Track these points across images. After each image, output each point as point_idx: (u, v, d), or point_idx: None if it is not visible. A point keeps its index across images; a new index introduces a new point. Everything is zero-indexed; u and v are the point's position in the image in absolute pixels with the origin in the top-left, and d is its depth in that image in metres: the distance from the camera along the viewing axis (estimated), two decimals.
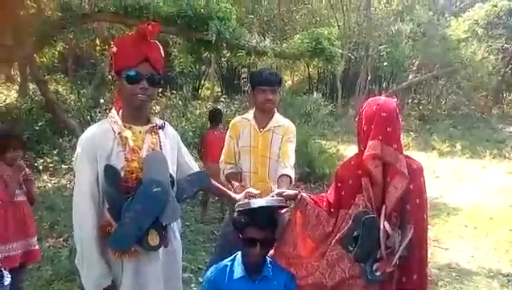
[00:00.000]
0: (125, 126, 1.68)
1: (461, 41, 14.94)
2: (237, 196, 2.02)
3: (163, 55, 1.76)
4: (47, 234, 4.43)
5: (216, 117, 5.51)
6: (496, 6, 15.51)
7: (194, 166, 1.95)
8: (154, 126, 1.75)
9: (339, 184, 1.78)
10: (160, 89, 1.82)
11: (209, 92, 14.79)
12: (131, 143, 1.65)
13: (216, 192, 2.19)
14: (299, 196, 1.86)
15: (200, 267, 3.89)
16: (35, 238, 3.08)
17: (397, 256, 1.58)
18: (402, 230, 1.61)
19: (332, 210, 1.80)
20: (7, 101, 9.84)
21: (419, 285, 1.66)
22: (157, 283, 1.70)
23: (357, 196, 1.67)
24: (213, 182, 2.04)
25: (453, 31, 14.99)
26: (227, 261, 1.89)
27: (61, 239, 4.36)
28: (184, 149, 1.95)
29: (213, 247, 4.46)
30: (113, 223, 1.61)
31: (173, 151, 1.82)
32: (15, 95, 10.42)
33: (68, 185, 6.12)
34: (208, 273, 1.89)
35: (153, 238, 1.63)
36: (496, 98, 18.73)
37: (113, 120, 1.70)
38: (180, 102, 10.46)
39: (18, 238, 2.89)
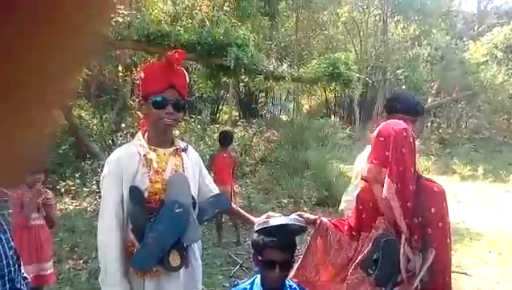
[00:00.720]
0: (150, 149, 1.74)
1: (480, 64, 14.82)
2: (256, 219, 2.03)
3: (188, 81, 1.83)
4: (68, 255, 4.48)
5: (226, 139, 5.32)
6: None
7: (214, 188, 1.99)
8: (177, 149, 1.81)
9: (360, 207, 1.79)
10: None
11: (227, 116, 14.96)
12: (155, 165, 1.71)
13: (235, 214, 2.21)
14: (318, 221, 1.85)
15: None
16: (50, 263, 3.03)
17: (417, 280, 1.55)
18: (424, 254, 1.58)
19: (354, 233, 1.79)
20: None
21: None
22: None
23: (378, 218, 1.67)
24: (233, 205, 2.06)
25: (472, 55, 14.89)
26: (246, 284, 1.88)
27: (81, 261, 4.41)
28: (205, 171, 1.99)
29: (231, 271, 4.45)
30: (136, 244, 1.65)
31: (195, 173, 1.86)
32: None
33: (88, 208, 6.20)
34: None
35: (174, 259, 1.66)
36: None
37: (138, 143, 1.76)
38: (199, 126, 10.58)
39: (30, 261, 2.83)
